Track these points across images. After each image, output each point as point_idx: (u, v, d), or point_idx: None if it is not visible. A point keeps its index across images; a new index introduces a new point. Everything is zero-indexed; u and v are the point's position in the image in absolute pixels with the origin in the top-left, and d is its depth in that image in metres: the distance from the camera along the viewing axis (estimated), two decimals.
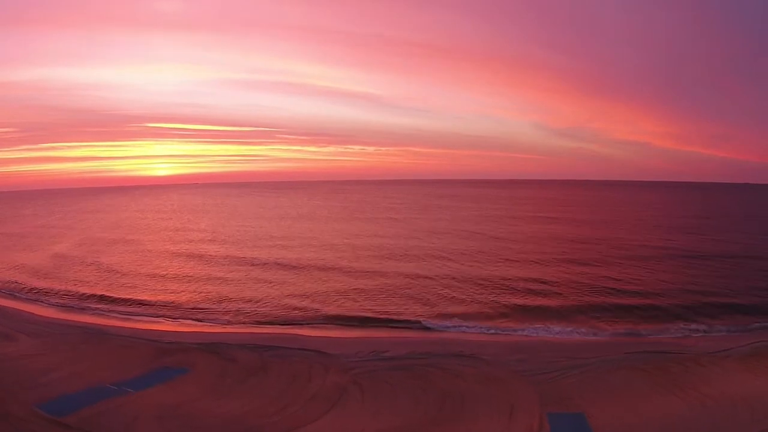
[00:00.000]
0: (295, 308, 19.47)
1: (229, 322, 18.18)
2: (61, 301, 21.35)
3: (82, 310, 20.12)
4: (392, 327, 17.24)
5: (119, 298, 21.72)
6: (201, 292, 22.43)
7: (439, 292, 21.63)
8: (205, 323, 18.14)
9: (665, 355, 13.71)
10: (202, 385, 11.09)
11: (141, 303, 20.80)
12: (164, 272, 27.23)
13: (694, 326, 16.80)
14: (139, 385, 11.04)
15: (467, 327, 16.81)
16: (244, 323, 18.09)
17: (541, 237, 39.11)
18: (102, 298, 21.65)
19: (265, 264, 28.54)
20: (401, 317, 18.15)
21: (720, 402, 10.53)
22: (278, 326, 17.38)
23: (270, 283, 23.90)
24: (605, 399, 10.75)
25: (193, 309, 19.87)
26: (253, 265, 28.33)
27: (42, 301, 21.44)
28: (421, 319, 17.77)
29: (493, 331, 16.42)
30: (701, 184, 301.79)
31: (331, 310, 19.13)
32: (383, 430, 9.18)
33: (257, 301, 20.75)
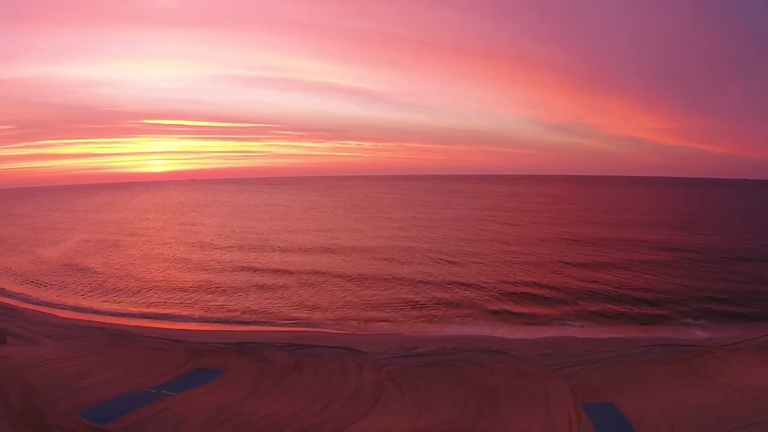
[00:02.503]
0: (312, 309, 19.56)
1: (250, 321, 18.23)
2: (80, 302, 21.15)
3: (102, 311, 19.91)
4: (416, 323, 17.45)
5: (137, 298, 21.65)
6: (216, 293, 22.41)
7: (451, 295, 21.81)
8: (228, 323, 18.17)
9: (684, 347, 14.17)
10: (241, 386, 11.13)
11: (160, 304, 20.75)
12: (176, 274, 27.13)
13: (703, 321, 17.49)
14: (178, 388, 10.98)
15: (488, 324, 17.08)
16: (264, 322, 18.15)
17: (545, 238, 39.43)
18: (120, 298, 21.56)
19: (271, 267, 28.33)
20: (422, 314, 18.36)
21: (742, 391, 10.93)
22: (302, 325, 17.47)
23: (278, 284, 23.83)
24: (633, 390, 11.12)
25: (213, 308, 19.88)
26: (256, 269, 28.02)
27: (60, 303, 21.16)
28: (441, 316, 18.00)
29: (513, 330, 16.68)
30: (699, 180, 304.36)
31: (349, 311, 19.23)
32: (429, 427, 9.37)
33: (270, 302, 20.80)
